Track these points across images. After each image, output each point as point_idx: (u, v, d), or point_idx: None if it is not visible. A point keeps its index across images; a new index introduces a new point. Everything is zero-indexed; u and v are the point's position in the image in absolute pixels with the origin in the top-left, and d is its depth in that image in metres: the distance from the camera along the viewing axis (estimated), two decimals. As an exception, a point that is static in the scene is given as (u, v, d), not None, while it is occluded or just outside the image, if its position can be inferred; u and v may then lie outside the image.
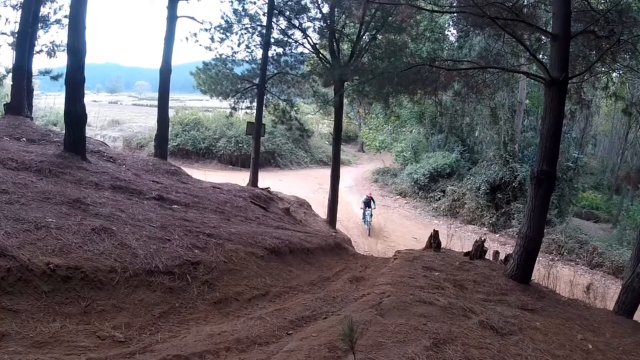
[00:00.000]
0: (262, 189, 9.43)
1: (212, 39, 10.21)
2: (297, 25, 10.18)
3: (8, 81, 9.29)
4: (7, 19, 9.33)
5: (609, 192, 18.11)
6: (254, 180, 10.28)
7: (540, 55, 6.50)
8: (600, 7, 5.88)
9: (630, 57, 6.37)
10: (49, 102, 18.06)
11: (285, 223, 6.85)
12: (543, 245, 6.87)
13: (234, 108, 11.14)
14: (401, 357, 2.26)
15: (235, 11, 10.17)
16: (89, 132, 7.97)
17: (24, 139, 6.53)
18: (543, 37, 5.95)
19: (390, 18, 8.68)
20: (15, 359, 2.22)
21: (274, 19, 10.19)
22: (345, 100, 11.00)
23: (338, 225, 9.97)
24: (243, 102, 11.00)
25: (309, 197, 11.13)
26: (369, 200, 12.16)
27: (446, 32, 14.71)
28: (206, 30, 10.18)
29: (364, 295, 3.65)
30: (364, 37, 9.28)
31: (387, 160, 19.25)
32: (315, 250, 5.64)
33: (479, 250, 5.71)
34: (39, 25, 9.10)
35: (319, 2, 9.81)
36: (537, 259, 4.89)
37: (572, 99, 7.49)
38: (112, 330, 2.77)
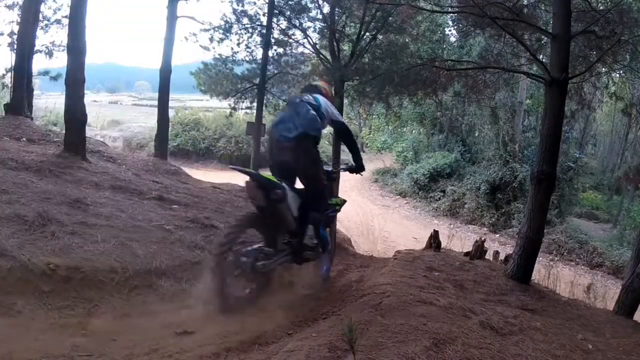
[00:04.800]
0: (262, 189, 9.40)
1: (211, 39, 10.20)
2: (297, 25, 10.17)
3: (7, 81, 9.26)
4: (5, 19, 9.32)
5: (609, 192, 18.10)
6: (254, 180, 10.26)
7: (541, 56, 6.50)
8: (601, 7, 5.88)
9: (631, 57, 6.38)
10: (49, 102, 18.02)
11: (285, 223, 6.83)
12: (543, 245, 6.86)
13: (234, 108, 11.12)
14: (401, 357, 2.26)
15: (234, 11, 10.16)
16: (89, 132, 7.95)
17: (24, 139, 6.53)
18: (543, 37, 5.95)
19: (390, 18, 8.68)
20: (15, 358, 2.22)
21: (274, 19, 10.18)
22: (345, 101, 10.97)
23: (338, 225, 9.95)
24: (243, 102, 10.98)
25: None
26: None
27: (446, 32, 14.72)
28: (206, 30, 10.19)
29: (364, 295, 3.65)
30: (364, 37, 9.27)
31: (387, 161, 19.24)
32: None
33: (479, 250, 5.71)
34: (39, 25, 9.09)
35: (320, 2, 9.80)
36: (537, 259, 4.89)
37: (572, 99, 7.49)
38: (112, 331, 2.77)
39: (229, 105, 11.04)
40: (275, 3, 9.88)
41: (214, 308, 2.78)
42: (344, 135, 3.42)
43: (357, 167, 3.59)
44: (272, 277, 3.16)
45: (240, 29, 10.29)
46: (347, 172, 3.68)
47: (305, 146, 2.96)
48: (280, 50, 10.43)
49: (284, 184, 2.99)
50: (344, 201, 3.82)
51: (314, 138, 3.01)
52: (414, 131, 18.80)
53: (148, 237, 3.91)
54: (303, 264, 3.39)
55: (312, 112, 3.04)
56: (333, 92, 3.70)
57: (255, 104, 10.56)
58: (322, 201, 3.25)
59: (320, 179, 3.15)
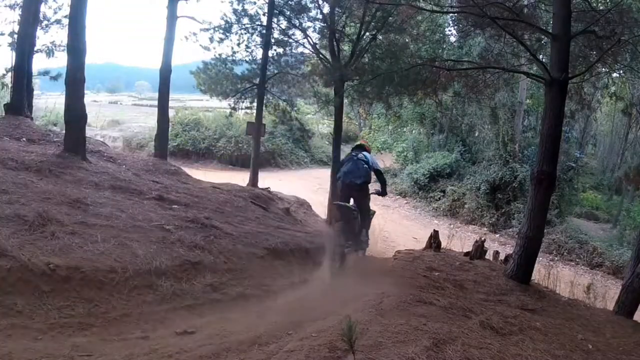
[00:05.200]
0: (262, 189, 9.41)
1: (211, 39, 10.18)
2: (297, 25, 10.16)
3: (8, 81, 9.25)
4: (7, 19, 9.29)
5: (609, 192, 18.10)
6: (254, 181, 10.26)
7: (541, 56, 6.50)
8: (601, 7, 5.88)
9: (631, 57, 6.37)
10: (49, 102, 18.00)
11: (285, 223, 6.85)
12: (543, 245, 6.86)
13: (234, 108, 11.10)
14: (401, 357, 2.26)
15: (235, 11, 10.15)
16: (89, 132, 7.96)
17: (24, 139, 6.53)
18: (543, 37, 5.95)
19: (390, 18, 8.67)
20: (15, 358, 2.22)
21: (274, 19, 10.17)
22: (345, 101, 10.94)
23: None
24: (243, 102, 10.96)
25: (309, 197, 11.12)
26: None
27: (446, 32, 14.70)
28: (206, 30, 10.18)
29: (364, 295, 3.65)
30: (364, 37, 9.26)
31: (387, 161, 19.24)
32: (316, 250, 5.65)
33: (479, 250, 5.72)
34: (39, 25, 9.09)
35: (320, 2, 9.80)
36: (537, 259, 4.89)
37: (572, 99, 7.49)
38: (112, 331, 2.77)
39: (229, 105, 11.03)
40: (275, 3, 9.88)
41: (330, 275, 4.73)
42: (379, 175, 5.40)
43: (382, 193, 5.45)
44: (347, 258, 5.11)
45: (240, 29, 10.27)
46: (376, 195, 5.40)
47: (365, 188, 5.14)
48: (280, 50, 10.41)
49: (355, 208, 5.12)
50: (375, 212, 5.66)
51: (368, 183, 5.14)
52: (414, 131, 18.77)
53: (148, 237, 3.91)
54: (358, 252, 5.36)
55: (366, 166, 5.11)
56: (370, 146, 6.18)
57: (255, 104, 10.56)
58: (368, 215, 5.35)
59: (368, 204, 5.28)
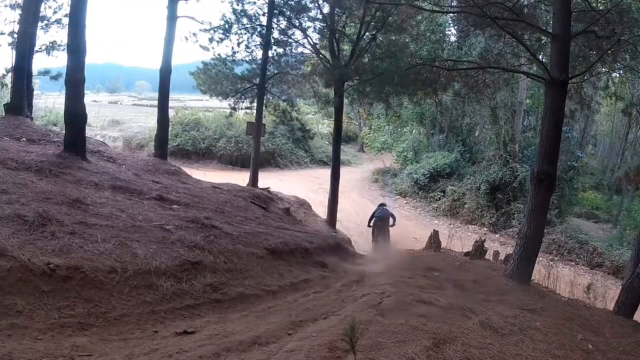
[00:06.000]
0: (262, 189, 9.41)
1: (211, 39, 10.17)
2: (297, 25, 10.15)
3: (8, 81, 9.25)
4: (7, 19, 9.29)
5: (609, 192, 18.09)
6: (254, 181, 10.27)
7: (541, 56, 6.50)
8: (601, 7, 5.88)
9: (631, 57, 6.37)
10: (49, 102, 18.01)
11: (285, 223, 6.85)
12: (543, 245, 6.87)
13: (234, 108, 11.09)
14: (401, 357, 2.26)
15: (234, 11, 10.14)
16: (89, 132, 7.96)
17: (24, 139, 6.53)
18: (543, 37, 5.95)
19: (390, 18, 8.67)
20: (15, 358, 2.22)
21: (274, 19, 10.17)
22: (345, 101, 10.95)
23: (338, 225, 9.97)
24: (243, 102, 10.95)
25: (309, 197, 11.12)
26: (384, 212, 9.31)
27: (446, 32, 14.68)
28: (206, 30, 10.17)
29: (364, 295, 3.66)
30: (364, 37, 9.27)
31: (387, 161, 19.23)
32: (316, 250, 5.65)
33: (479, 250, 5.73)
34: (39, 25, 9.08)
35: (320, 2, 9.79)
36: (537, 259, 4.90)
37: (572, 99, 7.49)
38: (112, 331, 2.77)
39: (229, 105, 11.02)
40: (275, 3, 9.87)
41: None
42: (392, 216, 9.12)
43: (393, 225, 8.98)
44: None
45: (240, 29, 10.26)
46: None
47: (387, 220, 8.97)
48: (280, 50, 10.40)
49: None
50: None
51: (389, 218, 8.99)
52: (414, 131, 18.76)
53: (148, 237, 3.91)
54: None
55: (389, 214, 9.13)
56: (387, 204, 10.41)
57: (255, 104, 10.56)
58: (389, 233, 8.92)
59: (389, 227, 8.96)
